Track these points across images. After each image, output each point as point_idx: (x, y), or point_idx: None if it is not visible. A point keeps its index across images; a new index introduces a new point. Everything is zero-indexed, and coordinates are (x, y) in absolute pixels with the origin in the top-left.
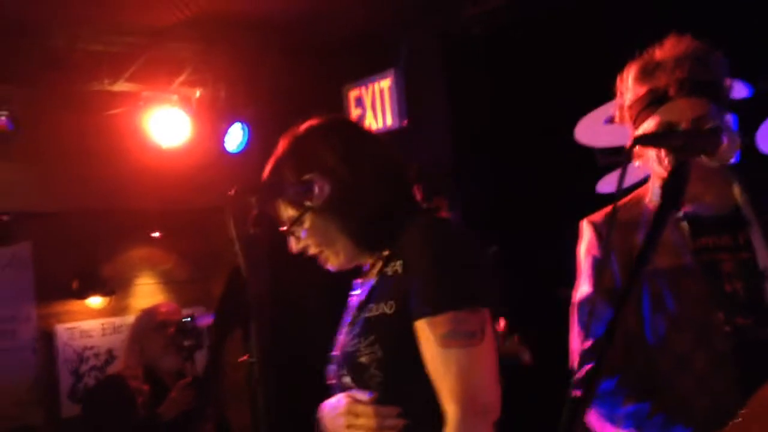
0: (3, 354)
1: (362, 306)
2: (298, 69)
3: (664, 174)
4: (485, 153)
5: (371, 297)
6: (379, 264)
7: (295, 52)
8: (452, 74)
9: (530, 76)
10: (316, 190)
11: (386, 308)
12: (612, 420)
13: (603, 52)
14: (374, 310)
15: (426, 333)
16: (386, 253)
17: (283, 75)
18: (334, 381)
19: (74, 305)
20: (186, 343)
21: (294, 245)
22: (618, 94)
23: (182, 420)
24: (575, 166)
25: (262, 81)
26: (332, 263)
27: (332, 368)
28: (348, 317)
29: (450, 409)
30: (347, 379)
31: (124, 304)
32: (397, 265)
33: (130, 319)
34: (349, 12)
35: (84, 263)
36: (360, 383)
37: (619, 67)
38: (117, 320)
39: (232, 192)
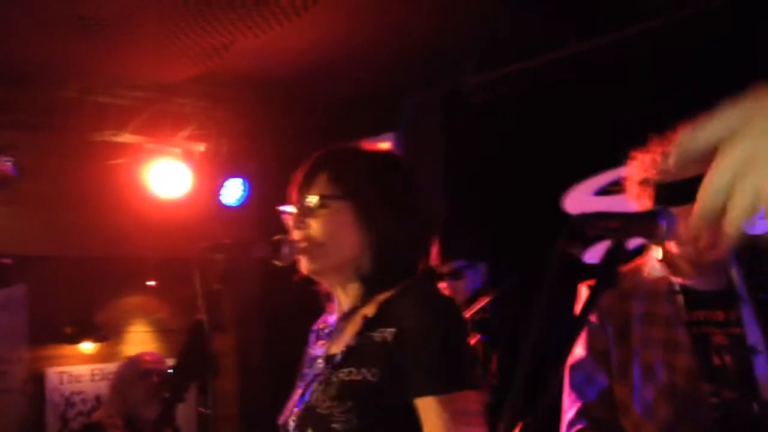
0: None
1: (337, 365)
2: (299, 127)
3: (671, 247)
4: (481, 219)
5: (349, 358)
6: (356, 322)
7: (298, 110)
8: (451, 140)
9: (527, 144)
10: (285, 250)
11: (369, 375)
12: None
13: (599, 124)
14: (354, 374)
15: (436, 410)
16: (368, 310)
17: (285, 132)
18: None
19: (66, 350)
20: (168, 394)
21: (297, 232)
22: (640, 171)
23: None
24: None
25: (264, 137)
26: (310, 264)
27: (291, 424)
28: (313, 371)
29: None
30: None
31: (115, 350)
32: (388, 333)
33: None
34: (351, 73)
35: (78, 308)
36: None
37: (614, 140)
38: (107, 366)
39: (201, 248)
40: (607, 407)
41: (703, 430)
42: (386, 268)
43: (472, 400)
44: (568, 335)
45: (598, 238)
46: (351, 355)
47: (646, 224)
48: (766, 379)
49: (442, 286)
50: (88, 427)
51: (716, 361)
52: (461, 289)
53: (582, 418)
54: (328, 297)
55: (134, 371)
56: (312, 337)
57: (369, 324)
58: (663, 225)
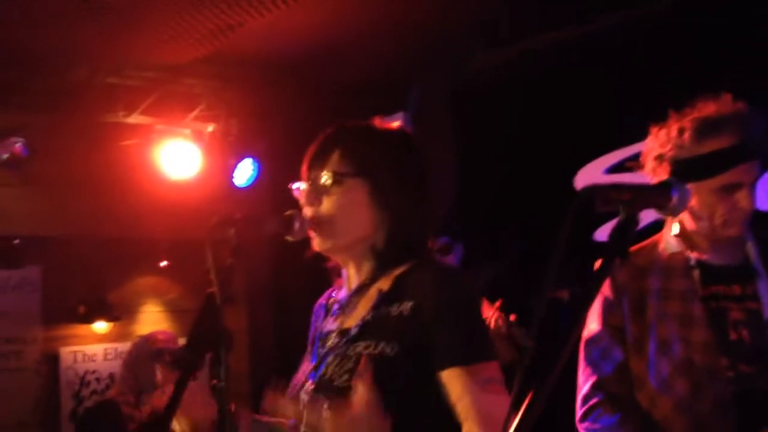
0: (8, 375)
1: (353, 339)
2: (308, 107)
3: (685, 222)
4: (489, 200)
5: (365, 332)
6: (371, 296)
7: (307, 91)
8: (459, 121)
9: (535, 125)
10: (296, 225)
11: (387, 349)
12: None
13: (606, 105)
14: (371, 347)
15: (465, 379)
16: (382, 284)
17: (294, 113)
18: (302, 410)
19: (79, 329)
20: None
21: (309, 209)
22: (656, 146)
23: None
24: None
25: (274, 118)
26: (323, 242)
27: (304, 397)
28: (326, 345)
29: None
30: (327, 413)
31: (128, 330)
32: (405, 307)
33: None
34: (361, 55)
35: (91, 289)
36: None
37: (622, 121)
38: (120, 346)
39: (212, 223)
40: (622, 382)
41: (719, 405)
42: (399, 246)
43: (495, 369)
44: (579, 306)
45: (610, 216)
46: (367, 329)
47: (657, 196)
48: None
49: None
50: (101, 404)
51: (733, 335)
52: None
53: (597, 392)
54: (338, 273)
55: (147, 350)
56: (320, 312)
57: (385, 298)
58: (675, 197)
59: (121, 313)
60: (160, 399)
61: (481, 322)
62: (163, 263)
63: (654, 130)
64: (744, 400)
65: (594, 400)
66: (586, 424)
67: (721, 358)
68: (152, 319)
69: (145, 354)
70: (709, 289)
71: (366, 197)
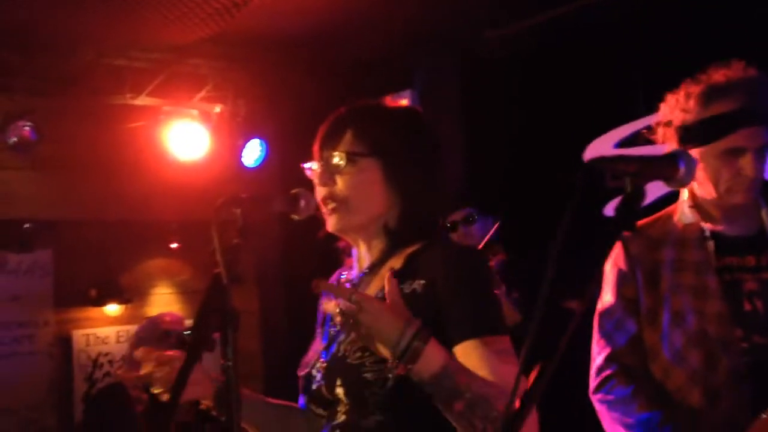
0: (21, 358)
1: None
2: (316, 86)
3: (696, 191)
4: (499, 175)
5: None
6: (383, 275)
7: (314, 70)
8: (468, 96)
9: (544, 99)
10: (302, 203)
11: None
12: (624, 425)
13: (617, 78)
14: None
15: (481, 351)
16: (394, 263)
17: (302, 92)
18: (315, 388)
19: (91, 312)
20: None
21: (322, 189)
22: (666, 112)
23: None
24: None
25: (281, 98)
26: (338, 221)
27: (316, 375)
28: (337, 324)
29: None
30: (340, 390)
31: (140, 312)
32: (417, 285)
33: None
34: (369, 32)
35: (102, 272)
36: (356, 398)
37: (632, 94)
38: (132, 328)
39: (218, 203)
40: (636, 353)
41: (733, 376)
42: (412, 224)
43: (508, 342)
44: (586, 279)
45: (618, 192)
46: None
47: (664, 167)
48: None
49: (458, 233)
50: (109, 387)
51: (747, 306)
52: (474, 234)
53: (611, 363)
54: (348, 253)
55: (153, 332)
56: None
57: (397, 276)
58: (682, 167)
59: (132, 295)
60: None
61: (494, 296)
62: (174, 245)
63: (667, 97)
64: (758, 371)
65: (607, 372)
66: (599, 396)
67: (736, 329)
68: (164, 301)
69: (152, 336)
70: (724, 260)
71: (379, 176)
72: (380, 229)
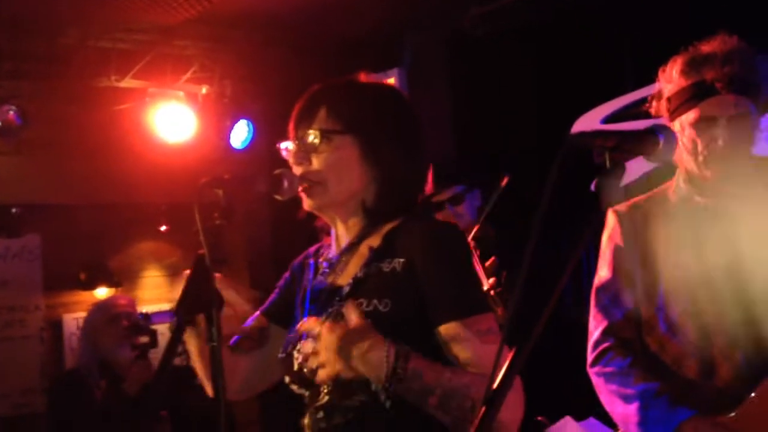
0: (12, 342)
1: (346, 296)
2: (303, 66)
3: (692, 167)
4: (487, 152)
5: (357, 289)
6: (361, 253)
7: (301, 50)
8: (455, 74)
9: (532, 75)
10: (285, 184)
11: (380, 306)
12: (621, 396)
13: (603, 54)
14: (364, 305)
15: (463, 333)
16: (372, 241)
17: (289, 72)
18: (297, 369)
19: (81, 296)
20: (139, 341)
21: (298, 168)
22: (658, 85)
23: (148, 394)
24: (569, 166)
25: (268, 78)
26: (314, 200)
27: (298, 356)
28: (317, 304)
29: None
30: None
31: (130, 295)
32: (397, 263)
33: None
34: (355, 11)
35: (91, 255)
36: (338, 379)
37: (622, 68)
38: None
39: (200, 184)
40: (632, 327)
41: (727, 346)
42: (389, 202)
43: (492, 320)
44: (567, 255)
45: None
46: (359, 287)
47: (643, 142)
48: None
49: (445, 213)
50: (65, 376)
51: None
52: (464, 213)
53: (608, 337)
54: (327, 232)
55: (103, 317)
56: (306, 270)
57: (376, 255)
58: (661, 142)
59: (122, 278)
60: (144, 369)
61: (474, 275)
62: (163, 228)
63: (660, 70)
64: (752, 345)
65: (605, 345)
66: (597, 368)
67: (733, 303)
68: (153, 284)
69: (102, 321)
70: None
71: (355, 154)
72: (358, 207)
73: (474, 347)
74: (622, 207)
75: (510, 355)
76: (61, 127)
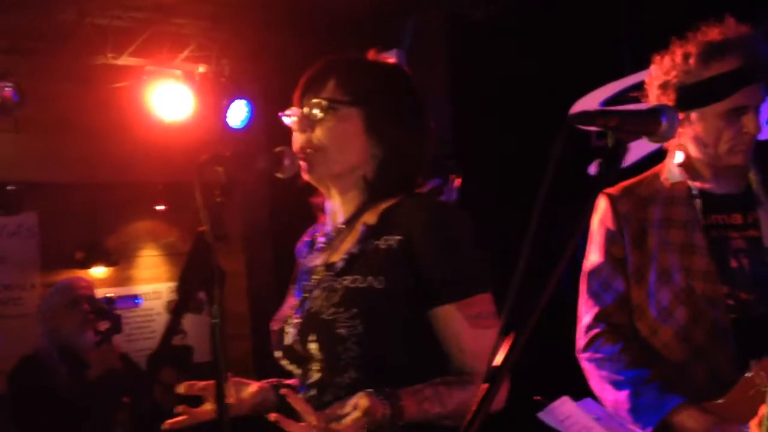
0: (8, 321)
1: (340, 272)
2: (301, 46)
3: (689, 151)
4: (485, 134)
5: (352, 265)
6: (357, 230)
7: (300, 30)
8: (454, 55)
9: (531, 57)
10: (286, 162)
11: (375, 283)
12: (612, 382)
13: (603, 36)
14: (359, 281)
15: (456, 317)
16: (368, 218)
17: (287, 53)
18: (290, 344)
19: (78, 275)
20: (102, 326)
21: (300, 137)
22: (660, 73)
23: (110, 380)
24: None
25: (266, 58)
26: (313, 169)
27: (291, 331)
28: (312, 279)
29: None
30: (314, 346)
31: (127, 275)
32: (393, 241)
33: (131, 289)
34: None
35: (88, 234)
36: (329, 354)
37: (620, 51)
38: (119, 290)
39: (201, 161)
40: (623, 312)
41: (718, 332)
42: (390, 179)
43: (488, 302)
44: (567, 239)
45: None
46: (354, 263)
47: (646, 122)
48: None
49: None
50: (25, 360)
51: (733, 263)
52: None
53: (599, 323)
54: (323, 209)
55: (62, 299)
56: (303, 249)
57: (372, 232)
58: (664, 122)
59: (119, 258)
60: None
61: (472, 253)
62: (160, 207)
63: (657, 58)
64: (742, 327)
65: (596, 330)
66: (587, 354)
67: (722, 286)
68: (150, 263)
69: (62, 304)
70: (711, 218)
71: (360, 127)
72: (357, 181)
73: (464, 331)
74: (613, 190)
75: (511, 336)
76: (58, 105)
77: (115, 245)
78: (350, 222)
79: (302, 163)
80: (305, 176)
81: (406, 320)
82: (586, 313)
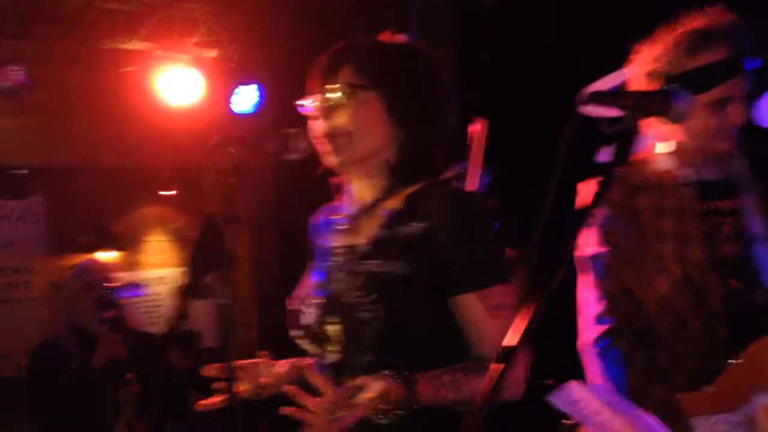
0: (15, 305)
1: (363, 256)
2: (310, 31)
3: (673, 137)
4: (492, 119)
5: (375, 250)
6: (380, 214)
7: (309, 15)
8: (462, 39)
9: (539, 39)
10: (297, 144)
11: (398, 268)
12: (618, 387)
13: (613, 21)
14: (382, 266)
15: (476, 305)
16: (392, 203)
17: (297, 37)
18: (309, 324)
19: (94, 259)
20: (106, 315)
21: (321, 124)
22: (646, 63)
23: (113, 369)
24: (578, 134)
25: (276, 43)
26: (338, 156)
27: (310, 311)
28: (332, 261)
29: None
30: (333, 328)
31: (134, 260)
32: (417, 228)
33: (138, 274)
34: None
35: (96, 219)
36: (349, 337)
37: (627, 38)
38: (126, 276)
39: (213, 142)
40: (628, 299)
41: (712, 321)
42: (411, 162)
43: (507, 293)
44: (577, 220)
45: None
46: (377, 247)
47: (660, 103)
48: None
49: None
50: (41, 345)
51: (724, 251)
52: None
53: (609, 315)
54: (342, 190)
55: (78, 284)
56: (320, 228)
57: (396, 217)
58: (679, 104)
59: (126, 242)
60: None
61: (493, 243)
62: (167, 192)
63: (643, 47)
64: (733, 316)
65: (607, 325)
66: (598, 349)
67: (714, 274)
68: (157, 248)
69: (77, 288)
70: (702, 205)
71: (380, 110)
72: (381, 166)
73: (484, 321)
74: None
75: (524, 316)
76: (66, 90)
77: (122, 230)
78: (374, 206)
79: (326, 149)
80: (328, 162)
81: (426, 306)
82: (591, 303)
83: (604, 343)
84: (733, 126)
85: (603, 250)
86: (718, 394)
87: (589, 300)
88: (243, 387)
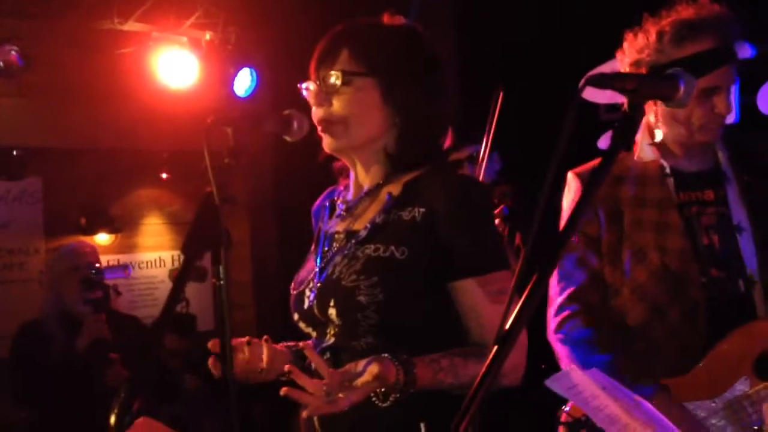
0: (11, 285)
1: (362, 240)
2: (308, 14)
3: (659, 128)
4: (492, 104)
5: (375, 235)
6: (381, 199)
7: None
8: (462, 22)
9: (539, 23)
10: (295, 125)
11: (397, 253)
12: (584, 365)
13: (613, 8)
14: (381, 250)
15: (476, 290)
16: (392, 188)
17: (294, 20)
18: (307, 308)
19: (83, 240)
20: (91, 296)
21: (318, 110)
22: (633, 52)
23: (98, 350)
24: (579, 121)
25: (273, 26)
26: (335, 141)
27: (309, 294)
28: (332, 246)
29: None
30: (332, 311)
31: (130, 242)
32: (417, 213)
33: (134, 257)
34: None
35: (92, 201)
36: (348, 320)
37: (627, 24)
38: (122, 257)
39: (209, 121)
40: (597, 290)
41: (692, 311)
42: (410, 148)
43: (506, 279)
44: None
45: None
46: (377, 232)
47: (664, 86)
48: (750, 258)
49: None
50: (25, 325)
51: (705, 240)
52: (479, 174)
53: (572, 302)
54: (345, 174)
55: (64, 265)
56: (321, 212)
57: (396, 202)
58: (682, 87)
59: (122, 225)
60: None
61: (494, 230)
62: (164, 175)
63: (630, 36)
64: (714, 305)
65: (567, 312)
66: (560, 336)
67: (694, 263)
68: (154, 231)
69: (64, 269)
70: (683, 195)
71: (377, 97)
72: (379, 152)
73: (483, 307)
74: (583, 169)
75: (522, 299)
76: (63, 70)
77: (119, 212)
78: (374, 191)
79: (323, 136)
80: (326, 147)
81: (425, 291)
82: (558, 294)
83: (564, 329)
84: (719, 116)
85: (572, 243)
86: (697, 382)
87: (554, 294)
88: (241, 369)
